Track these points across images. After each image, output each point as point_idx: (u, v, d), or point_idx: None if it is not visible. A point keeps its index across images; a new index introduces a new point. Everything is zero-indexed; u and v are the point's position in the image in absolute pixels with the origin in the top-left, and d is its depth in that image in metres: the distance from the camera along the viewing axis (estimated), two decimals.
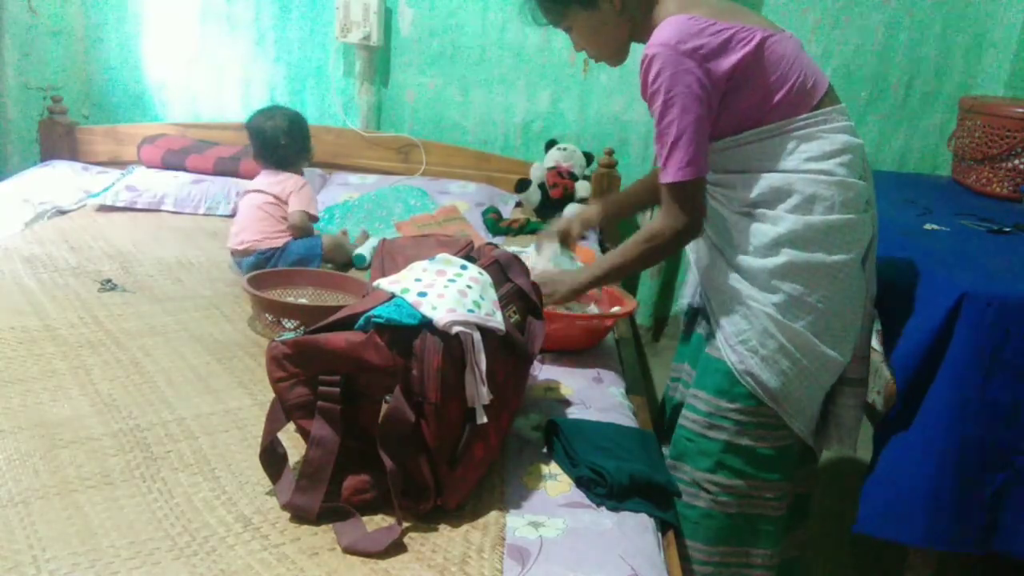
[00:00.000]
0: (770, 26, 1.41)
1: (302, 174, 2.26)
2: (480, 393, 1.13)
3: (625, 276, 1.69)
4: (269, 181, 2.17)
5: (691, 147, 1.35)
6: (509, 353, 1.25)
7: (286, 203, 2.14)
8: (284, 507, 1.12)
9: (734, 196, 1.45)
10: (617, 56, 1.53)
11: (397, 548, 1.06)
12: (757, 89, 1.38)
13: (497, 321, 1.19)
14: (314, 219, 2.21)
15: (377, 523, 1.11)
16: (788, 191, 1.40)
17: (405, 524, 1.10)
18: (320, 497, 1.11)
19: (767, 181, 1.41)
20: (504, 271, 1.36)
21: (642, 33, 1.45)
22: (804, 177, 1.39)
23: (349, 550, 1.05)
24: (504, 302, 1.29)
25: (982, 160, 2.41)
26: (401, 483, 1.10)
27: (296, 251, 2.09)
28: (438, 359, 1.09)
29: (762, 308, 1.42)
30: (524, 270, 1.40)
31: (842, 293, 1.43)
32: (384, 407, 1.10)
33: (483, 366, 1.13)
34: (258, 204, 2.13)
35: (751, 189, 1.42)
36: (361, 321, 1.13)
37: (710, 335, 1.52)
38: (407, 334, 1.10)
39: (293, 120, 2.19)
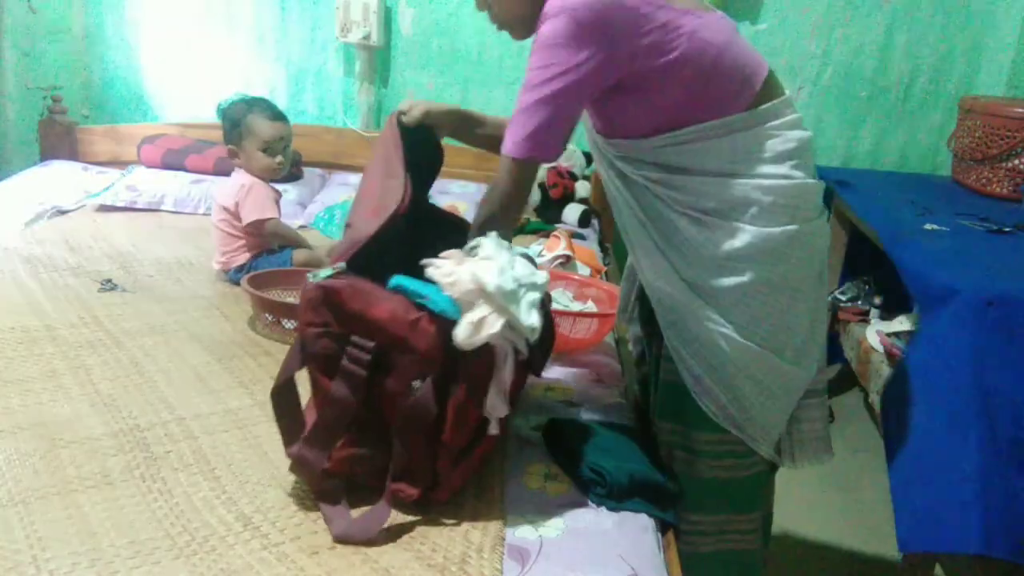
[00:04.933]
0: (698, 6, 1.25)
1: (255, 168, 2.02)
2: (498, 406, 1.10)
3: None
4: (221, 190, 2.04)
5: (548, 128, 1.20)
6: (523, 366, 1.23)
7: (236, 214, 2.00)
8: (289, 455, 1.11)
9: (680, 199, 1.28)
10: (522, 24, 1.34)
11: (397, 548, 1.06)
12: (685, 79, 1.22)
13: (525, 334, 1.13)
14: (266, 221, 2.00)
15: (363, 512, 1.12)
16: (745, 200, 1.25)
17: (404, 521, 1.11)
18: (326, 457, 1.09)
19: (719, 188, 1.26)
20: None
21: None
22: (762, 184, 1.25)
23: (341, 539, 1.06)
24: None
25: (982, 160, 2.41)
26: (402, 468, 1.10)
27: (272, 266, 1.97)
28: (476, 364, 1.08)
29: (718, 328, 1.28)
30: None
31: (803, 305, 1.31)
32: (412, 392, 1.08)
33: (508, 382, 1.10)
34: (216, 222, 2.03)
35: (701, 195, 1.27)
36: (404, 285, 1.08)
37: (664, 357, 1.38)
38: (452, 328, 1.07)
39: (227, 102, 2.06)
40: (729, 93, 1.25)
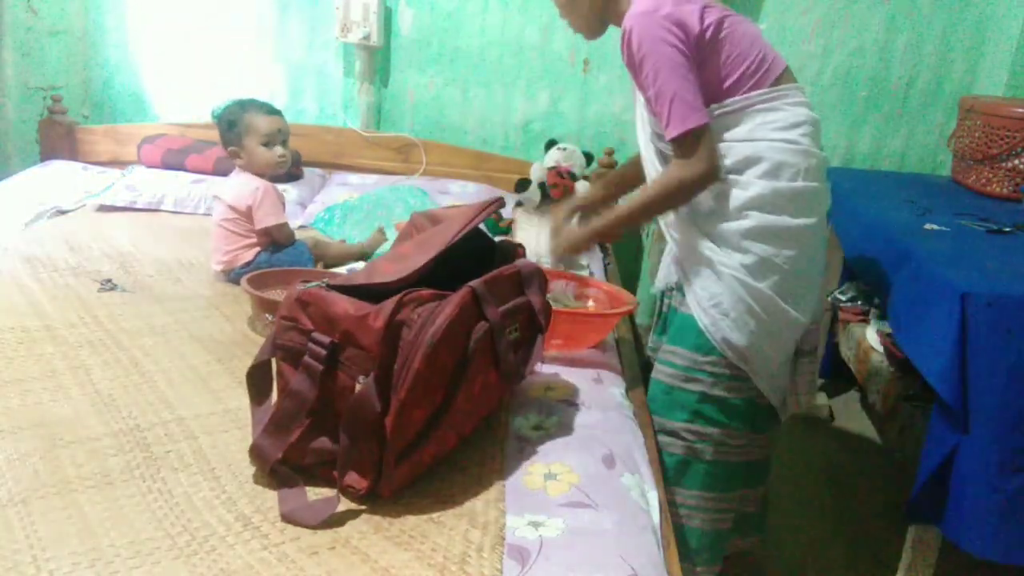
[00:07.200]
0: (729, 9, 1.56)
1: (258, 167, 2.02)
2: None
3: (644, 223, 1.81)
4: (225, 188, 2.04)
5: (689, 99, 1.47)
6: (495, 367, 1.26)
7: (246, 215, 2.00)
8: (250, 450, 1.19)
9: None
10: (591, 29, 1.68)
11: (397, 547, 1.06)
12: (716, 64, 1.51)
13: None
14: (282, 225, 2.04)
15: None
16: (757, 158, 1.52)
17: (404, 521, 1.11)
18: (282, 448, 1.15)
19: (736, 149, 1.53)
20: (522, 284, 1.36)
21: (616, 15, 1.60)
22: (772, 145, 1.52)
23: (287, 518, 1.10)
24: (509, 316, 1.29)
25: (982, 160, 2.41)
26: (350, 461, 1.13)
27: (279, 262, 1.99)
28: (420, 365, 1.10)
29: (731, 272, 1.54)
30: (543, 286, 1.40)
31: (804, 256, 1.56)
32: (356, 388, 1.12)
33: None
34: (220, 220, 2.02)
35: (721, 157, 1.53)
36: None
37: (683, 296, 1.64)
38: (400, 328, 1.12)
39: (221, 107, 2.05)
40: (752, 77, 1.53)
